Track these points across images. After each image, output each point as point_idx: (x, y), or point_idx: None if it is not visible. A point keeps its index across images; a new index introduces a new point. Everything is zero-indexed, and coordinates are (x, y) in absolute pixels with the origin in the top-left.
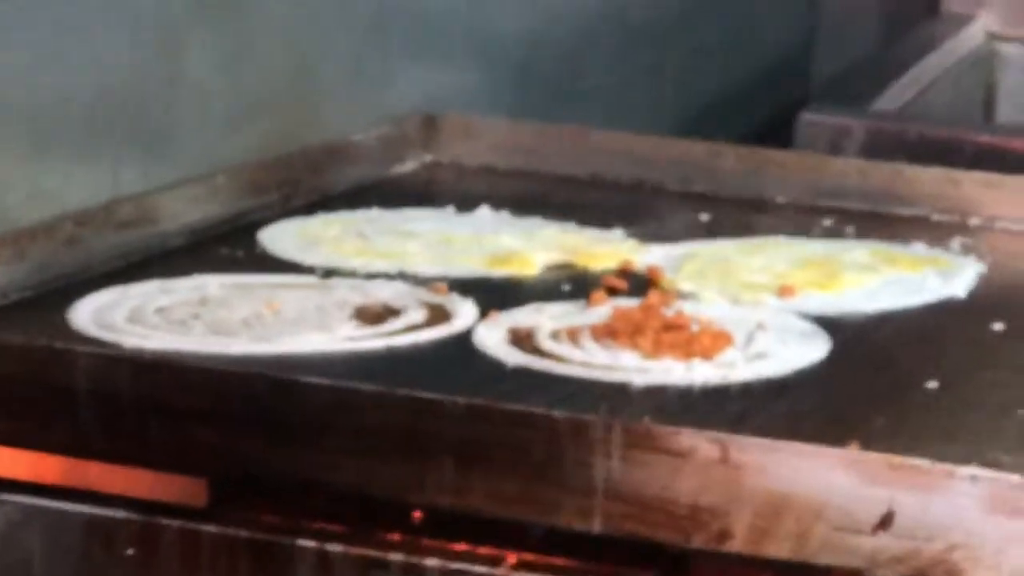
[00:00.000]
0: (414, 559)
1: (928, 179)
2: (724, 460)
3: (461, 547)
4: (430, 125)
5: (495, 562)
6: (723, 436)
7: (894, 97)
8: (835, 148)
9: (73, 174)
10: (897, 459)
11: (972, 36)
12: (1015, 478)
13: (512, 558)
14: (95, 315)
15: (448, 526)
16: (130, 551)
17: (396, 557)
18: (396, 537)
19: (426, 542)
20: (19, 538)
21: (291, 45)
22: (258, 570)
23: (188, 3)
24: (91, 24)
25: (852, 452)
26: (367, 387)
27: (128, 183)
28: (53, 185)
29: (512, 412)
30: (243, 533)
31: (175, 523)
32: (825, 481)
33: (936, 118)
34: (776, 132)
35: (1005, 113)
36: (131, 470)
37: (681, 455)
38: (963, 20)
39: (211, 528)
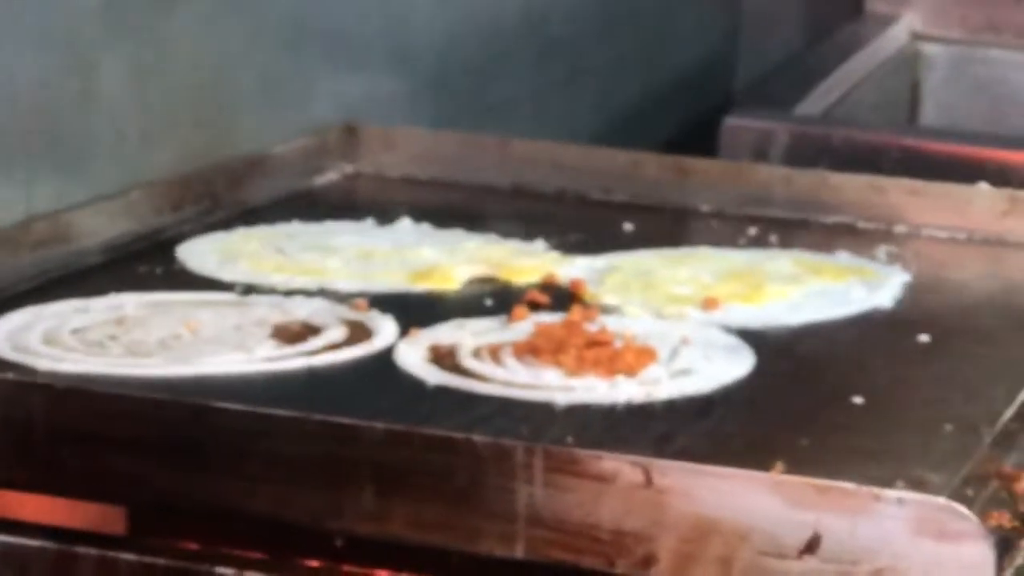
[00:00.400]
0: None
1: (853, 186)
2: (647, 484)
3: (383, 574)
4: (351, 136)
5: None
6: (646, 460)
7: (818, 100)
8: (759, 153)
9: None
10: (823, 482)
11: (896, 36)
12: (941, 500)
13: None
14: (9, 337)
15: (369, 552)
16: None
17: None
18: (316, 564)
19: (347, 568)
20: None
21: (206, 58)
22: None
23: (99, 18)
24: None
25: (777, 475)
26: (283, 412)
27: (42, 202)
28: None
29: (432, 437)
30: (161, 561)
31: (92, 551)
32: (750, 505)
33: (861, 120)
34: (700, 138)
35: (929, 113)
36: (47, 497)
37: (604, 479)
38: (887, 20)
39: (129, 556)
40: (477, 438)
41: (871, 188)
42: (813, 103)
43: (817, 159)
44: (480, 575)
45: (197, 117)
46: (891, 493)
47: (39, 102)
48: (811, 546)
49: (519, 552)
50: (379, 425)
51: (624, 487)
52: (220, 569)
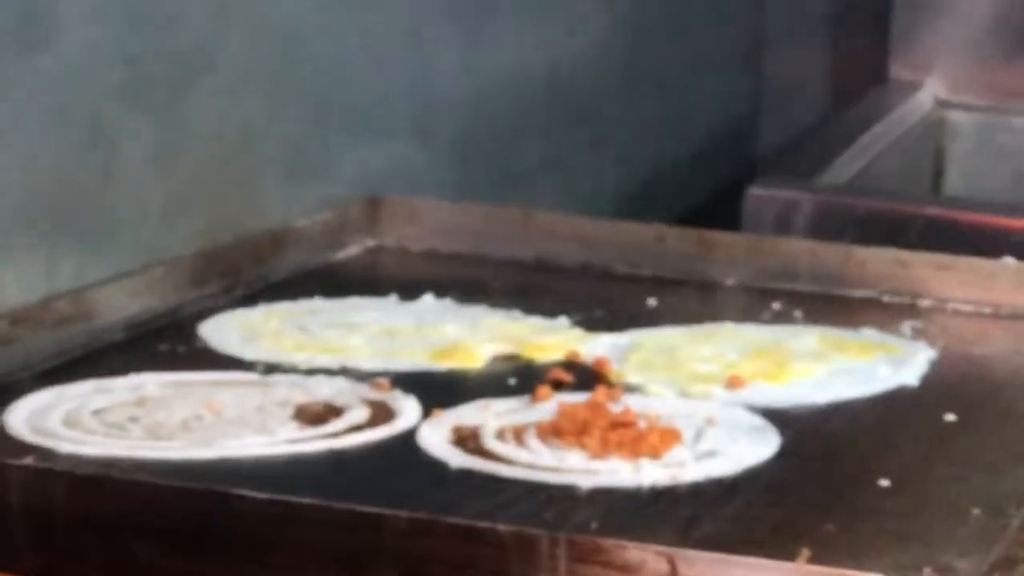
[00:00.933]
0: None
1: (878, 260)
2: (673, 574)
3: None
4: (373, 209)
5: None
6: (671, 550)
7: (842, 168)
8: (783, 223)
9: (6, 272)
10: (850, 573)
11: (921, 103)
12: None
13: None
14: (30, 419)
15: None
16: None
17: None
18: None
19: None
20: None
21: (227, 133)
22: None
23: (120, 94)
24: (19, 118)
25: (803, 566)
26: (306, 500)
27: (63, 279)
28: None
29: (456, 526)
30: None
31: None
32: None
33: (885, 189)
34: (723, 206)
35: (954, 180)
36: None
37: (629, 570)
38: (912, 87)
39: None
40: (501, 527)
41: (896, 262)
42: (837, 171)
43: (842, 229)
44: None
45: (219, 192)
46: None
47: (60, 179)
48: None
49: None
50: (403, 514)
51: None
52: None
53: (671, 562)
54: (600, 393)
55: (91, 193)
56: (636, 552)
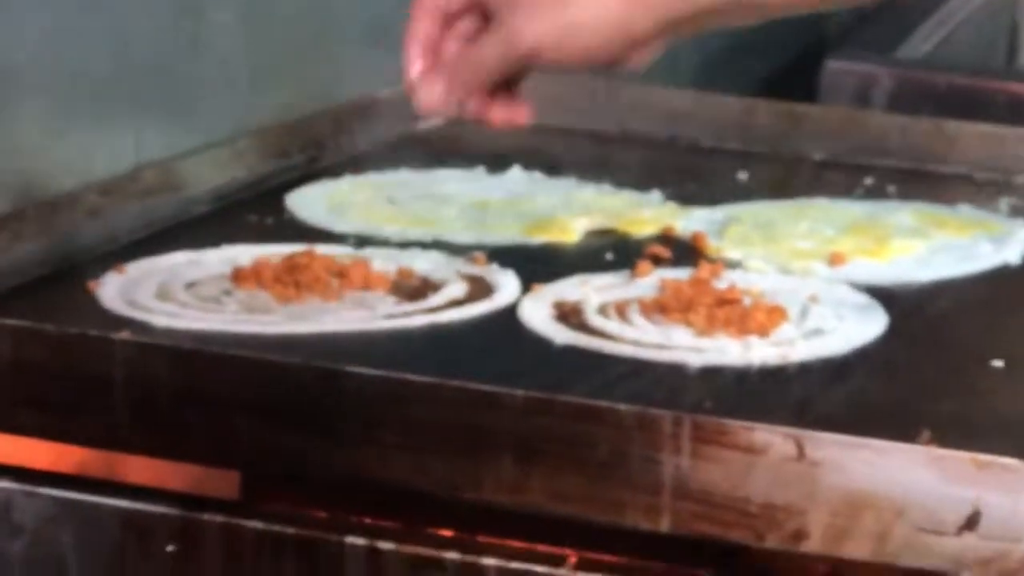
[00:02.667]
0: (470, 558)
1: (970, 135)
2: (800, 456)
3: (519, 545)
4: None
5: (556, 561)
6: (798, 432)
7: (918, 43)
8: (861, 97)
9: (95, 143)
10: (983, 457)
11: None
12: None
13: (573, 557)
14: (123, 291)
15: (505, 522)
16: (170, 547)
17: (451, 556)
18: (450, 534)
19: (482, 539)
20: (51, 533)
21: (314, 2)
22: (305, 569)
23: None
24: None
25: (935, 449)
26: (419, 378)
27: (151, 150)
28: (75, 156)
29: (575, 405)
30: (290, 530)
31: (217, 519)
32: (907, 479)
33: (960, 64)
34: (795, 79)
35: None
36: (163, 462)
37: (755, 451)
38: None
39: (256, 524)
40: (622, 406)
41: (988, 137)
42: (912, 47)
43: (921, 104)
44: (621, 548)
45: (306, 62)
46: None
47: (148, 50)
48: (971, 523)
49: (664, 526)
50: (519, 392)
51: (776, 459)
52: (351, 539)
53: (799, 444)
54: (704, 269)
55: (179, 64)
56: (762, 434)
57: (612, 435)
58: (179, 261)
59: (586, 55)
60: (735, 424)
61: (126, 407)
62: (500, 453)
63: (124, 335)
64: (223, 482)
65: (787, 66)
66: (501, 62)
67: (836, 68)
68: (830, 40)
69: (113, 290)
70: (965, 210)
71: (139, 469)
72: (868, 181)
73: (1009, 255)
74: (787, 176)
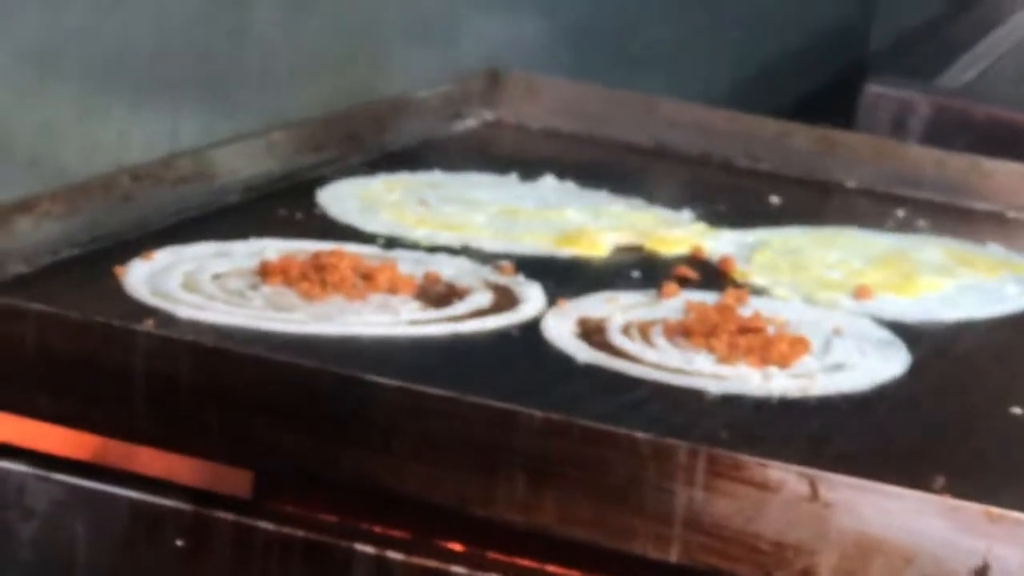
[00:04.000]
0: (477, 573)
1: (1005, 173)
2: (813, 497)
3: (528, 563)
4: (493, 82)
5: None
6: (813, 472)
7: (959, 72)
8: (898, 123)
9: (132, 128)
10: (996, 510)
11: None
12: None
13: None
14: (150, 279)
15: (515, 541)
16: (179, 542)
17: (459, 570)
18: (460, 549)
19: (491, 555)
20: (62, 518)
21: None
22: (313, 573)
23: None
24: None
25: (949, 500)
26: (438, 391)
27: (188, 136)
28: (110, 139)
29: (591, 430)
30: (300, 533)
31: (229, 517)
32: (919, 527)
33: (1001, 96)
34: (832, 102)
35: None
36: (178, 456)
37: (768, 488)
38: None
39: (267, 525)
40: (639, 435)
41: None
42: (954, 75)
43: (958, 134)
44: (630, 575)
45: (345, 57)
46: None
47: (189, 37)
48: (980, 574)
49: (673, 556)
50: (536, 413)
51: (789, 498)
52: (360, 546)
53: (812, 484)
54: (730, 295)
55: (219, 53)
56: (776, 471)
57: (627, 461)
58: (207, 252)
59: None
60: (750, 460)
61: (144, 399)
62: (514, 471)
63: (146, 327)
64: (236, 480)
65: (826, 88)
66: None
67: (875, 93)
68: (871, 64)
69: (140, 277)
70: (994, 249)
71: (154, 461)
72: (900, 213)
73: None
74: (819, 202)
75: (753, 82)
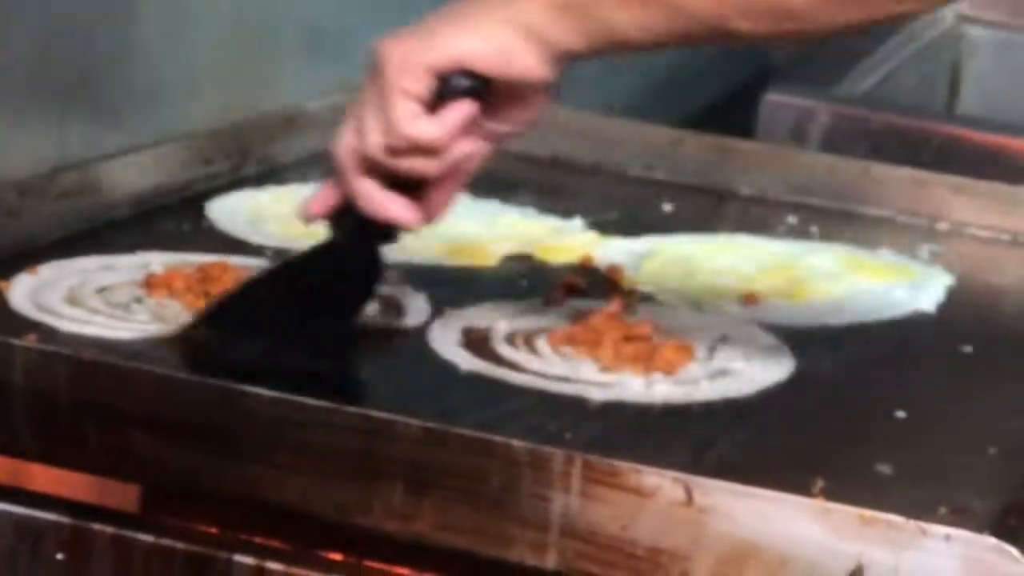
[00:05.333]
0: None
1: (897, 179)
2: (688, 502)
3: (405, 572)
4: None
5: None
6: (687, 477)
7: (858, 80)
8: (798, 131)
9: (16, 141)
10: (868, 513)
11: (940, 18)
12: (991, 540)
13: None
14: (33, 294)
15: (393, 549)
16: (60, 555)
17: None
18: (338, 557)
19: (368, 564)
20: None
21: (246, 10)
22: None
23: None
24: None
25: (822, 503)
26: (315, 402)
27: (74, 151)
28: None
29: (468, 438)
30: (179, 545)
31: (108, 530)
32: (793, 531)
33: (901, 103)
34: (734, 112)
35: (969, 98)
36: (61, 469)
37: (644, 494)
38: None
39: (146, 537)
40: (514, 442)
41: (915, 182)
42: (853, 83)
43: (857, 142)
44: None
45: (235, 71)
46: (939, 529)
47: (76, 48)
48: None
49: (550, 563)
50: (414, 422)
51: (664, 503)
52: (239, 557)
53: (687, 489)
54: (615, 303)
55: (106, 65)
56: (652, 477)
57: (504, 469)
58: (92, 265)
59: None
60: (625, 466)
61: (24, 415)
62: (392, 481)
63: (25, 341)
64: (123, 494)
65: (729, 97)
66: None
67: (774, 101)
68: (773, 72)
69: (23, 292)
70: (886, 255)
71: (44, 476)
72: (792, 220)
73: (924, 302)
74: (712, 210)
75: (651, 94)
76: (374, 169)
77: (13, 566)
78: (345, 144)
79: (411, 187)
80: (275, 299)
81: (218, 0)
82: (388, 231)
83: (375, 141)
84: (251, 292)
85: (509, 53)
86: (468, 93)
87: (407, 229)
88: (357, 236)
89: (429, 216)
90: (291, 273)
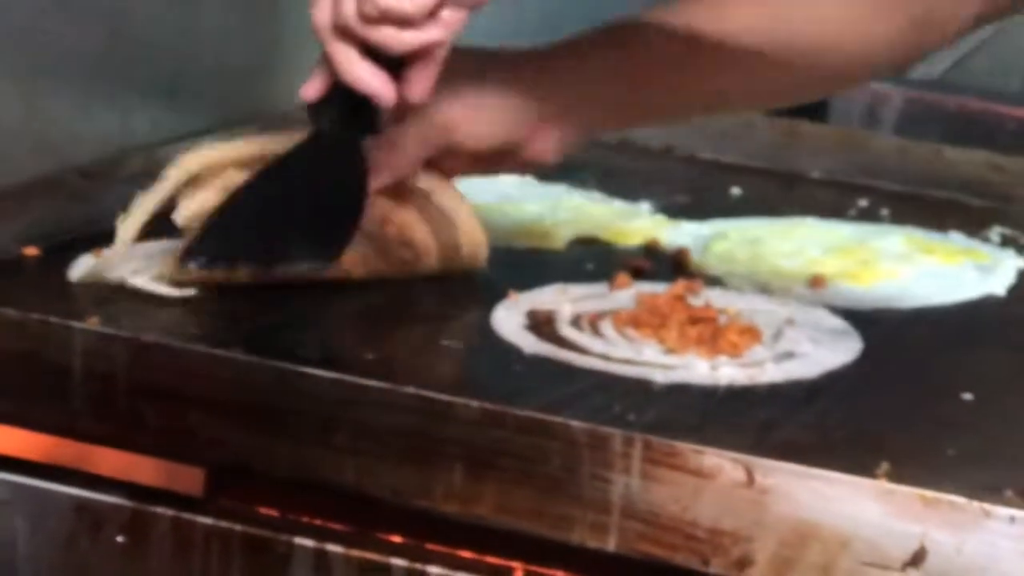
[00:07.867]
0: (417, 565)
1: (969, 162)
2: (749, 483)
3: (467, 555)
4: None
5: (503, 573)
6: (748, 458)
7: (931, 63)
8: (871, 116)
9: (80, 126)
10: (931, 494)
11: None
12: None
13: (520, 570)
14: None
15: (453, 532)
16: (120, 538)
17: (398, 562)
18: (399, 540)
19: (430, 547)
20: (4, 517)
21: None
22: (252, 567)
23: None
24: None
25: (884, 484)
26: (374, 383)
27: (139, 136)
28: (59, 137)
29: (527, 419)
30: (238, 527)
31: (169, 512)
32: (855, 512)
33: (975, 87)
34: None
35: None
36: (125, 453)
37: (704, 475)
38: None
39: (206, 520)
40: (574, 422)
41: (987, 165)
42: (926, 67)
43: (929, 126)
44: (568, 564)
45: (303, 52)
46: (1003, 511)
47: (140, 32)
48: (916, 559)
49: (611, 544)
50: (473, 403)
51: (725, 484)
52: (300, 540)
53: (748, 471)
54: (680, 285)
55: (172, 48)
56: (712, 458)
57: (563, 451)
58: (156, 249)
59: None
60: (685, 447)
61: (84, 397)
62: (451, 463)
63: (86, 324)
64: (186, 477)
65: None
66: (421, 142)
67: None
68: None
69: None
70: (955, 237)
71: (104, 459)
72: (862, 203)
73: (994, 285)
74: (781, 193)
75: None
76: (352, 39)
77: (73, 549)
78: (321, 9)
79: (392, 68)
80: (267, 208)
81: None
82: (369, 117)
83: (349, 6)
84: (242, 205)
85: None
86: None
87: (386, 108)
88: (339, 125)
89: (407, 97)
90: (277, 176)
